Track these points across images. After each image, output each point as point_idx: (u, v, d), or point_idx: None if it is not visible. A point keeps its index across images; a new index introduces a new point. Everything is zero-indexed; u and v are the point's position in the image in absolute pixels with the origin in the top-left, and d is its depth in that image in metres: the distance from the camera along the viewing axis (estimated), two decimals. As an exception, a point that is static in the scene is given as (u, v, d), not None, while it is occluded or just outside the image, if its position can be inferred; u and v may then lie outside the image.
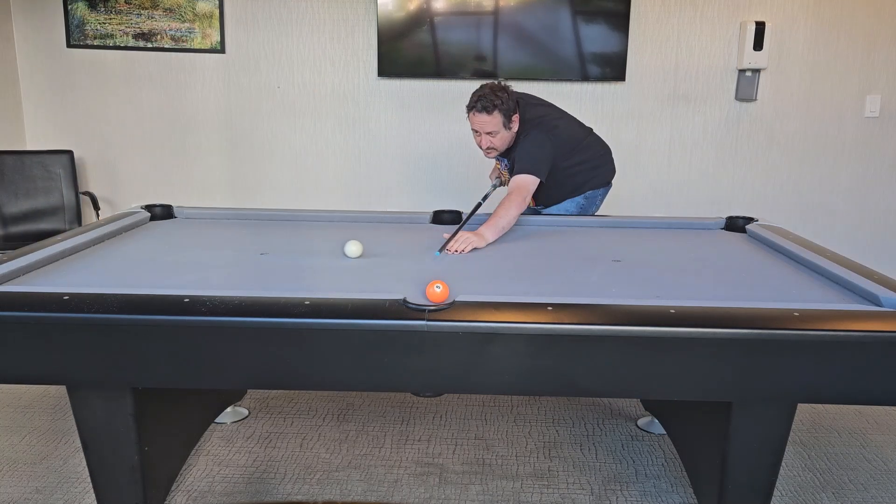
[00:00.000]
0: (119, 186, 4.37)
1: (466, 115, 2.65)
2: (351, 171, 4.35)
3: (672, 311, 1.59)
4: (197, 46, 4.18)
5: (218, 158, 4.35)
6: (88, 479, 1.93)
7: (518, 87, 2.77)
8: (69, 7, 4.13)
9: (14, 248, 2.15)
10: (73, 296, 1.62)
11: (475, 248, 2.28)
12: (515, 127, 2.68)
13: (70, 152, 4.08)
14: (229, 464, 2.39)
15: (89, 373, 1.66)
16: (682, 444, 2.25)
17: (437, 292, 1.64)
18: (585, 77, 4.13)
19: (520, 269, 2.11)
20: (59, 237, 2.18)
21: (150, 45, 4.18)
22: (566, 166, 2.78)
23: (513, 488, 2.27)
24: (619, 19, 4.03)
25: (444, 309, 1.58)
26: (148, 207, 2.69)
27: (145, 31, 4.16)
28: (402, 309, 1.59)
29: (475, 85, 2.72)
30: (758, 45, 4.03)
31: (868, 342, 1.54)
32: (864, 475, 2.38)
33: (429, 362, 1.59)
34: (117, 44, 4.17)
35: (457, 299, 1.63)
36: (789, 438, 1.77)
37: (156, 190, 4.28)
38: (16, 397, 2.83)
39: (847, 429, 2.68)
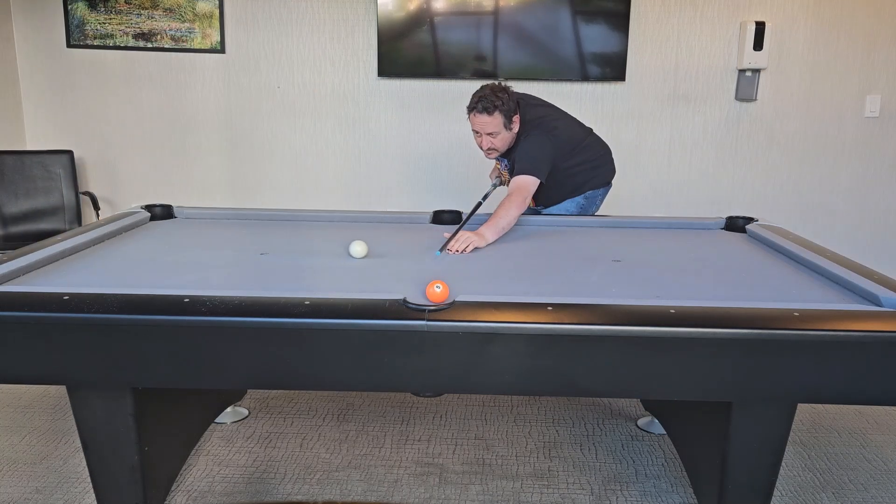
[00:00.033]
0: (119, 186, 4.37)
1: (467, 115, 2.65)
2: (351, 171, 4.35)
3: (672, 311, 1.59)
4: (197, 46, 4.18)
5: (218, 158, 4.35)
6: (88, 479, 1.93)
7: (518, 87, 2.77)
8: (69, 7, 4.13)
9: (14, 248, 2.15)
10: (73, 296, 1.62)
11: (475, 248, 2.28)
12: (516, 128, 2.68)
13: (70, 152, 4.08)
14: (229, 464, 2.39)
15: (89, 373, 1.66)
16: (682, 444, 2.25)
17: (437, 292, 1.64)
18: (585, 77, 4.13)
19: (520, 269, 2.10)
20: (59, 237, 2.17)
21: (150, 45, 4.18)
22: (566, 167, 2.78)
23: (513, 488, 2.27)
24: (619, 19, 4.03)
25: (444, 309, 1.58)
26: (148, 207, 2.69)
27: (145, 31, 4.16)
28: (402, 309, 1.59)
29: (475, 85, 2.72)
30: (758, 45, 4.03)
31: (868, 342, 1.54)
32: (864, 475, 2.38)
33: (429, 362, 1.59)
34: (117, 44, 4.17)
35: (457, 299, 1.63)
36: (789, 438, 1.77)
37: (156, 190, 4.28)
38: (16, 397, 2.83)
39: (847, 429, 2.68)
